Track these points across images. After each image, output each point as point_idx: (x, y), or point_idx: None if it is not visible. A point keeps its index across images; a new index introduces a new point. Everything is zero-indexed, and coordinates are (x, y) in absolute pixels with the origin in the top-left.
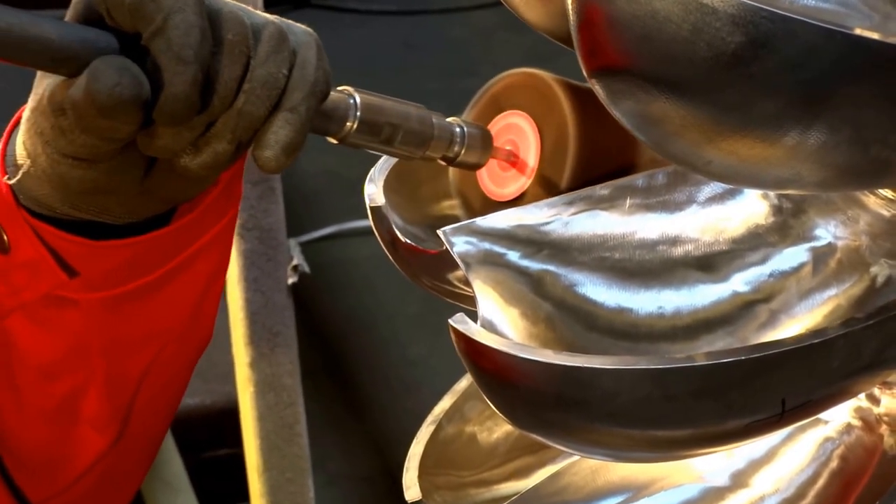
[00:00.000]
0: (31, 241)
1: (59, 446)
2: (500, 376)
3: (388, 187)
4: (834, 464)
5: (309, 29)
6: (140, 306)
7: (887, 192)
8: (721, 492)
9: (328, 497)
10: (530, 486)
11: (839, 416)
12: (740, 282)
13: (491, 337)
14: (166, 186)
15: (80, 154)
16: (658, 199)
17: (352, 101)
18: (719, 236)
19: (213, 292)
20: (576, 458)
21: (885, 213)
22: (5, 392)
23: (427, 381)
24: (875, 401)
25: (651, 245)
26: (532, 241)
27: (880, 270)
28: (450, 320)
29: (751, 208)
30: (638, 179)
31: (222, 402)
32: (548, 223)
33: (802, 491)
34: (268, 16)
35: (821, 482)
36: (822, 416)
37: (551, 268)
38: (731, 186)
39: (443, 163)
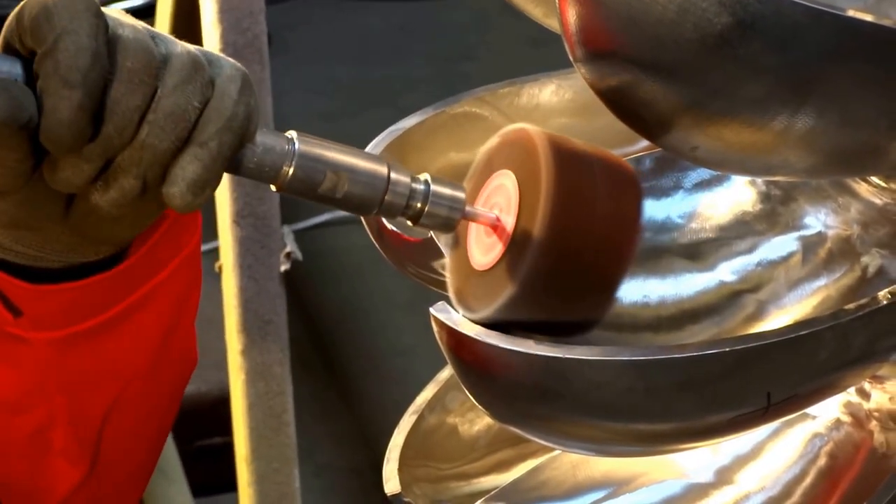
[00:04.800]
0: None
1: (36, 477)
2: (479, 367)
3: None
4: (822, 461)
5: (238, 64)
6: (95, 345)
7: (879, 180)
8: (704, 488)
9: (315, 488)
10: (510, 481)
11: (828, 412)
12: (727, 271)
13: (471, 326)
14: (93, 225)
15: None
16: (644, 185)
17: (290, 145)
18: (706, 223)
19: (185, 323)
20: (556, 452)
21: (877, 201)
22: None
23: (415, 372)
24: (865, 395)
25: None
26: None
27: (871, 260)
28: (431, 309)
29: (738, 195)
30: None
31: (216, 390)
32: None
33: (789, 489)
34: (190, 46)
35: (808, 480)
36: (811, 410)
37: None
38: (718, 172)
39: (409, 223)
